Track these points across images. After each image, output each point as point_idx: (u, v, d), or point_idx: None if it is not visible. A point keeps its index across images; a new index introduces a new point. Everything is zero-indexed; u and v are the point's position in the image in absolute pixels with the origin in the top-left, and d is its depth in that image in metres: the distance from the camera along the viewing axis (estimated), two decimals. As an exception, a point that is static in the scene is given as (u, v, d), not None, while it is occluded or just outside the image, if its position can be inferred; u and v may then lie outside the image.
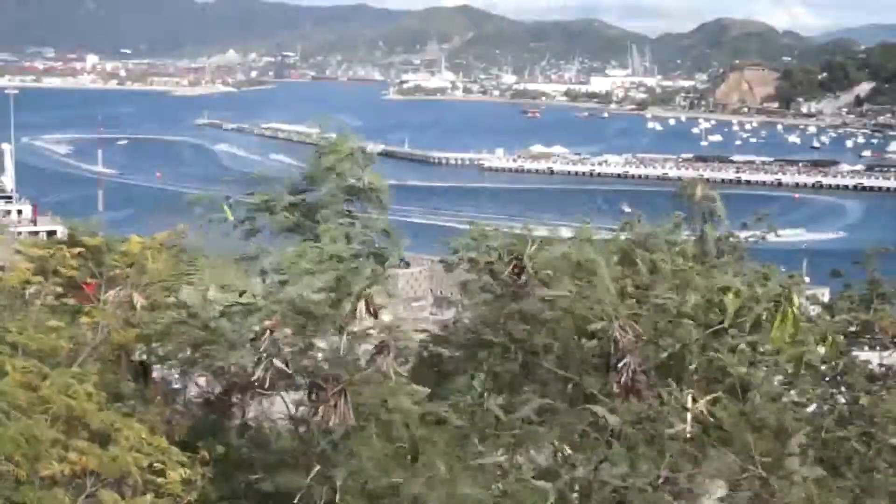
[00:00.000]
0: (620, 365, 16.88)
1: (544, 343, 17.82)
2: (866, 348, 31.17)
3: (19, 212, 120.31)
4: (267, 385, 15.74)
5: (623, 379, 16.85)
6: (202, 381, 18.55)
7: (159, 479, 12.48)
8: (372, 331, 16.25)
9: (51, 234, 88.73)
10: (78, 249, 15.85)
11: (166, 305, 16.88)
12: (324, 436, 15.78)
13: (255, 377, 15.98)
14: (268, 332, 15.99)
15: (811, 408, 19.08)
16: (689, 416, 17.03)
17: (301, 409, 17.06)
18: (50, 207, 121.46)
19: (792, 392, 18.92)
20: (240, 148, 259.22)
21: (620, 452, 16.18)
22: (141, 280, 15.95)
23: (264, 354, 15.70)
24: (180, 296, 17.38)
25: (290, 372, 15.92)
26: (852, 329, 23.90)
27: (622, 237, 21.02)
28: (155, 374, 18.85)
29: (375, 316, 16.53)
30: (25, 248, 17.30)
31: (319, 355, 16.47)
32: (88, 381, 12.36)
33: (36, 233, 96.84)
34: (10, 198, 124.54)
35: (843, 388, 19.80)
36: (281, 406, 17.71)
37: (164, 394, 17.38)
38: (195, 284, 17.98)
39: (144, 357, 18.47)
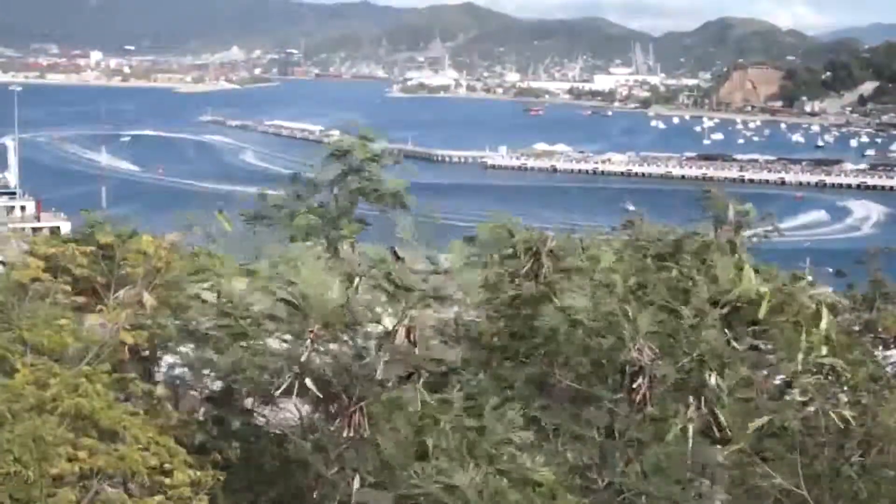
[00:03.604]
0: (636, 384, 16.65)
1: (555, 355, 17.56)
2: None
3: (23, 208, 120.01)
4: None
5: (639, 396, 16.69)
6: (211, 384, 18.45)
7: (167, 480, 12.47)
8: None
9: (54, 230, 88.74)
10: (88, 249, 15.85)
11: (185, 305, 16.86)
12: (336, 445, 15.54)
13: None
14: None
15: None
16: (690, 427, 16.76)
17: (307, 413, 16.97)
18: (53, 204, 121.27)
19: (795, 391, 18.87)
20: (244, 143, 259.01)
21: (622, 449, 16.16)
22: (152, 280, 15.95)
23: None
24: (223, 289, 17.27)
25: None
26: (855, 328, 23.97)
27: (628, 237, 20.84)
28: (160, 374, 18.82)
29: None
30: (37, 245, 17.32)
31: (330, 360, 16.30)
32: (99, 380, 12.37)
33: (39, 229, 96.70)
34: (13, 194, 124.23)
35: (844, 388, 19.79)
36: (286, 411, 17.66)
37: (172, 390, 17.39)
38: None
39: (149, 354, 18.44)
